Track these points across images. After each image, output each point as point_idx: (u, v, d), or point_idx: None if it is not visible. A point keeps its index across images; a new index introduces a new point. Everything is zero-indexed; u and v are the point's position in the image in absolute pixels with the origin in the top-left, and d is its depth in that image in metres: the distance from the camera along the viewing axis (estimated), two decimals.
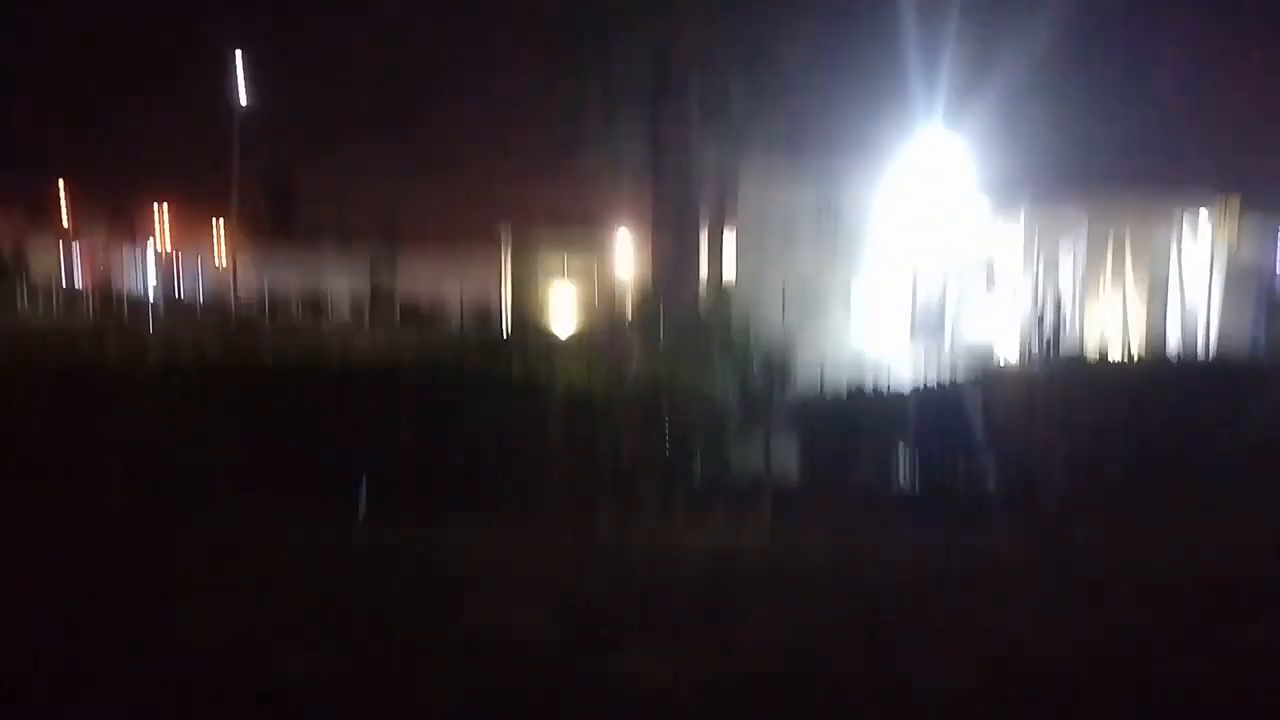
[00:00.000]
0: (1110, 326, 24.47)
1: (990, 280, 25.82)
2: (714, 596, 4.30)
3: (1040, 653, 3.73)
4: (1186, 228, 28.87)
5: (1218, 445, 6.18)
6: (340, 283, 27.61)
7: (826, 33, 20.97)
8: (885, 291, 23.60)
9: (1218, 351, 25.17)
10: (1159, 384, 6.49)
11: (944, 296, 25.07)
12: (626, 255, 43.15)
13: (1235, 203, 27.90)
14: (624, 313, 13.77)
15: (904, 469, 6.13)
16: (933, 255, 23.85)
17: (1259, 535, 5.31)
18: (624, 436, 6.00)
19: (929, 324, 23.62)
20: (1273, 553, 5.03)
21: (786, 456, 6.23)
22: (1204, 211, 27.85)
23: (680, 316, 8.87)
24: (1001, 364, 6.74)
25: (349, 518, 5.68)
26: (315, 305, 24.85)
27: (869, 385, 6.51)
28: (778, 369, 6.61)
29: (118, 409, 6.21)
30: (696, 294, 15.49)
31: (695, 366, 6.82)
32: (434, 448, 6.00)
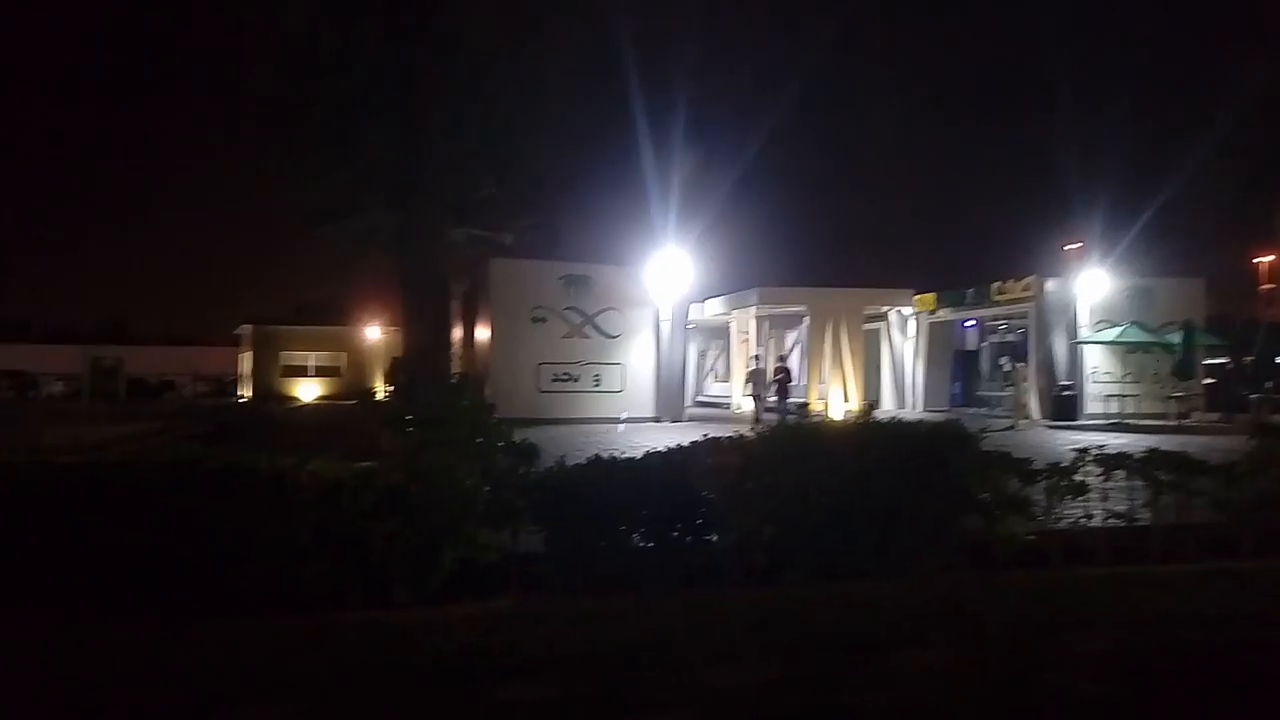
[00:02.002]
0: (832, 393, 26.72)
1: (728, 359, 27.30)
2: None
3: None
4: (895, 313, 32.44)
5: (916, 501, 6.92)
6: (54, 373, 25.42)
7: (580, 147, 22.08)
8: (633, 371, 24.65)
9: (924, 408, 27.91)
10: (880, 440, 7.18)
11: (684, 374, 26.44)
12: (377, 345, 42.09)
13: (931, 295, 31.79)
14: (373, 400, 13.63)
15: (640, 535, 6.49)
16: (676, 341, 25.24)
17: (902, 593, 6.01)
18: (364, 525, 6.01)
19: (673, 397, 24.86)
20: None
21: (529, 532, 6.44)
22: (908, 302, 31.49)
23: (429, 402, 8.94)
24: (735, 432, 7.31)
25: None
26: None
27: (609, 455, 6.86)
28: (523, 448, 6.84)
29: None
30: (446, 380, 15.62)
31: (442, 451, 6.93)
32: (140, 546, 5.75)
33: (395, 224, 19.85)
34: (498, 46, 18.57)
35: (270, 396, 42.27)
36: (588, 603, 5.81)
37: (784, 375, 24.34)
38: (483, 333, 25.55)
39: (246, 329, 48.10)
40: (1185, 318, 26.74)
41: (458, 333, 27.81)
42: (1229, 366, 34.56)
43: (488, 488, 6.53)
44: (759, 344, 29.52)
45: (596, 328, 24.79)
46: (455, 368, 23.98)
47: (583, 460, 6.64)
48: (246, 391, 46.14)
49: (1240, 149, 34.10)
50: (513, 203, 22.40)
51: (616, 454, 6.83)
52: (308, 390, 45.28)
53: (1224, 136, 34.22)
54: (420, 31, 17.38)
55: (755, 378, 24.31)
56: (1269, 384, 27.82)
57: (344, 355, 47.49)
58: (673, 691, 4.13)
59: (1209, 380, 31.93)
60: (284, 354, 47.31)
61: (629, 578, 6.31)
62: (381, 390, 32.22)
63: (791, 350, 32.02)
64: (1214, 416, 26.60)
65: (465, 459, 6.65)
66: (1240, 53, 34.59)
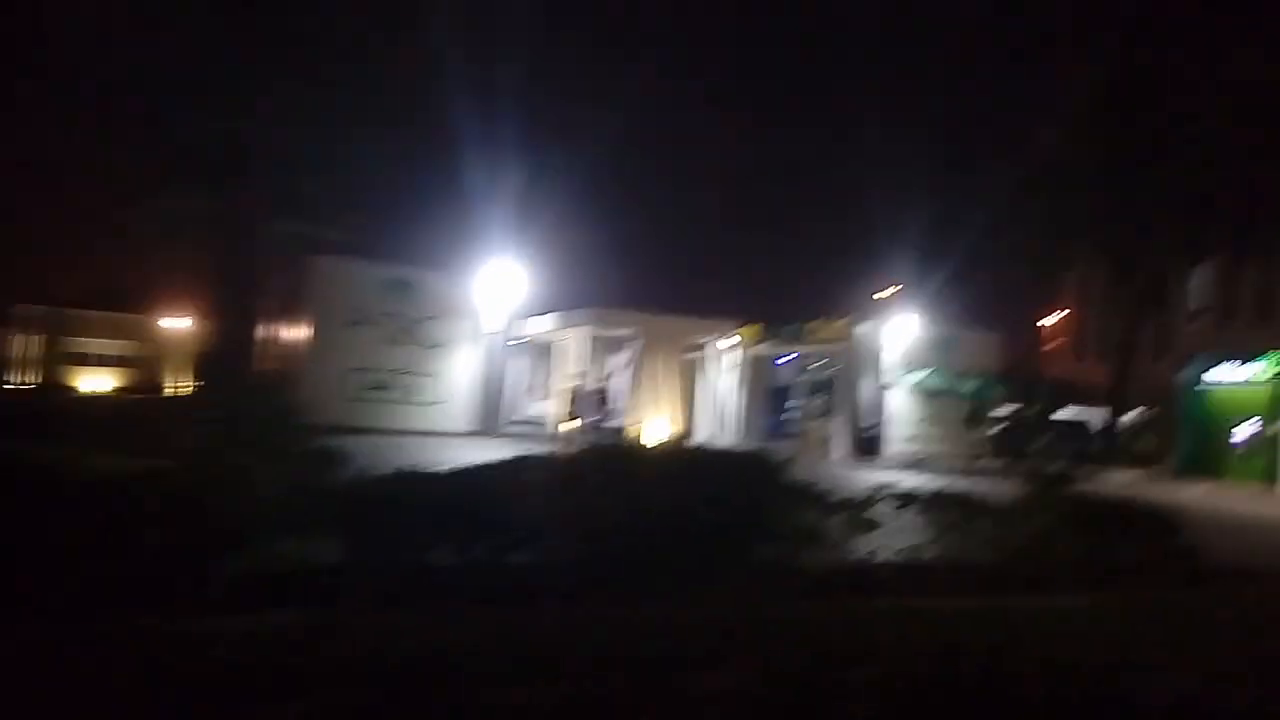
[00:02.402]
0: (652, 418, 27.15)
1: (555, 376, 27.28)
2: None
3: None
4: (719, 343, 33.28)
5: (720, 528, 7.09)
6: None
7: (414, 148, 21.61)
8: (451, 383, 24.23)
9: (741, 438, 28.74)
10: (689, 468, 7.32)
11: (505, 390, 26.23)
12: (183, 337, 39.70)
13: (754, 328, 32.83)
14: (173, 397, 12.82)
15: (447, 548, 6.36)
16: (498, 355, 25.01)
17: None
18: (144, 527, 5.63)
19: (491, 412, 24.60)
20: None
21: (331, 542, 6.19)
22: (733, 333, 32.36)
23: (235, 401, 8.50)
24: (555, 449, 7.31)
25: None
26: None
27: (422, 467, 6.70)
28: (326, 454, 6.60)
29: None
30: (254, 379, 14.90)
31: (245, 453, 6.60)
32: None
33: (211, 211, 18.85)
34: (332, 36, 18.00)
35: (55, 386, 39.17)
36: (383, 618, 5.62)
37: (601, 397, 24.26)
38: (298, 333, 24.52)
39: (33, 310, 44.46)
40: (979, 368, 28.75)
41: (271, 331, 26.60)
42: (1015, 416, 37.30)
43: (285, 494, 6.25)
44: (587, 364, 29.66)
45: (416, 336, 24.25)
46: (266, 367, 22.87)
47: (389, 471, 6.45)
48: (29, 378, 42.58)
49: (1039, 215, 37.02)
50: (339, 199, 21.68)
51: (425, 467, 6.68)
52: (100, 381, 42.21)
53: (1018, 204, 37.09)
54: (247, 11, 16.61)
55: (577, 397, 24.20)
56: (1048, 434, 30.24)
57: (145, 345, 44.60)
58: (454, 711, 4.04)
59: (997, 428, 34.36)
60: (75, 340, 44.01)
61: (431, 594, 6.16)
62: (185, 386, 30.39)
63: (611, 374, 32.36)
64: (1000, 462, 28.65)
65: (264, 462, 6.35)
66: (1033, 122, 37.71)
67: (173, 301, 41.47)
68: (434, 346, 24.50)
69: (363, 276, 24.14)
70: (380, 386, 23.88)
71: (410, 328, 24.30)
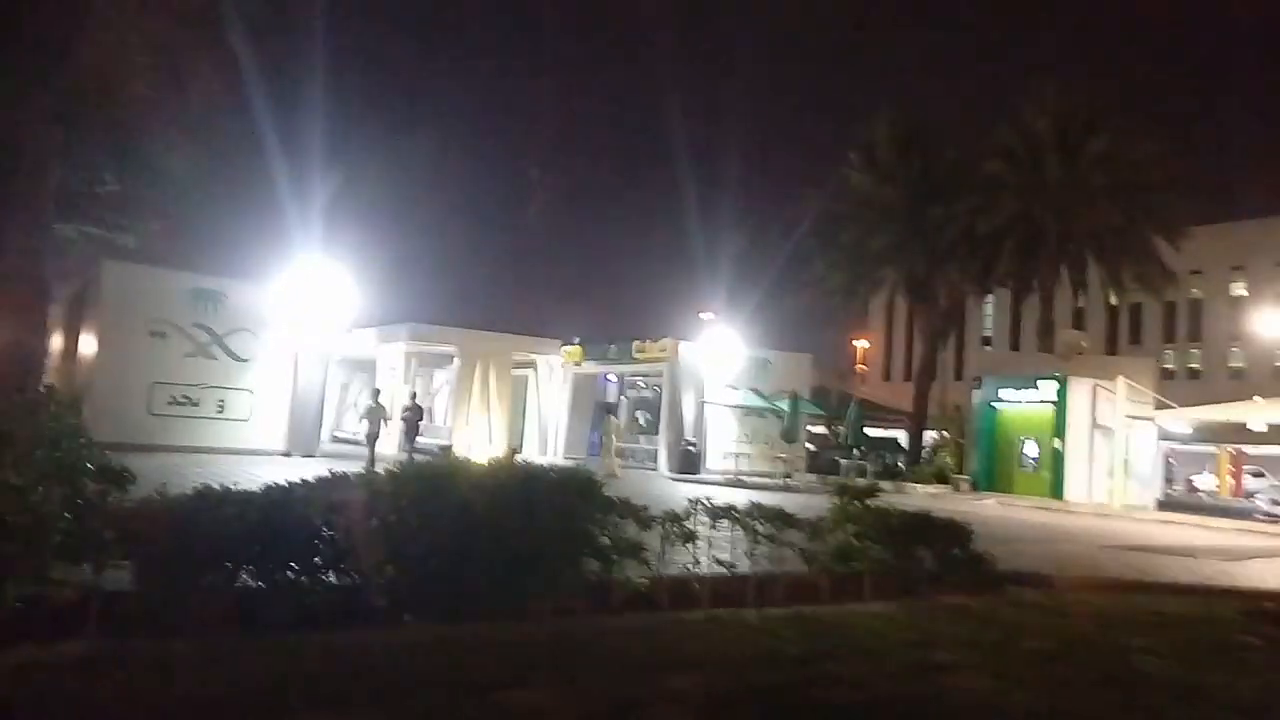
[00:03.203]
0: (476, 436, 26.77)
1: (372, 392, 26.46)
2: None
3: None
4: (543, 362, 33.25)
5: (538, 544, 7.02)
6: None
7: (221, 148, 20.38)
8: (264, 399, 23.07)
9: (565, 455, 28.70)
10: (511, 484, 7.19)
11: (322, 407, 25.23)
12: None
13: (578, 348, 33.00)
14: None
15: (250, 574, 6.02)
16: (314, 371, 24.02)
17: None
18: None
19: (307, 430, 23.56)
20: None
21: (119, 568, 5.74)
22: (556, 351, 32.41)
23: (12, 416, 7.76)
24: (366, 467, 7.04)
25: None
26: None
27: (219, 486, 6.30)
28: (113, 472, 6.11)
29: None
30: (37, 393, 13.64)
31: (23, 472, 6.03)
32: None
33: None
34: (128, 25, 16.74)
35: None
36: (179, 646, 5.25)
37: (413, 414, 23.13)
38: (89, 344, 22.78)
39: None
40: (793, 388, 29.88)
41: (57, 341, 24.58)
42: (826, 434, 39.01)
43: (68, 515, 5.75)
44: (408, 380, 28.90)
45: (226, 349, 22.99)
46: (51, 381, 21.10)
47: (188, 491, 6.05)
48: None
49: (847, 244, 39.02)
50: (135, 201, 20.23)
51: (230, 485, 6.29)
52: None
53: (827, 234, 39.09)
54: None
55: (371, 415, 22.35)
56: (856, 451, 31.76)
57: None
58: None
59: (810, 445, 35.80)
60: None
61: (235, 620, 5.81)
62: None
63: (436, 391, 31.69)
64: (812, 478, 29.81)
65: (43, 481, 5.82)
66: (841, 159, 39.88)
67: None
68: (245, 360, 23.26)
69: (163, 285, 22.68)
70: (189, 402, 22.45)
71: (220, 340, 22.99)
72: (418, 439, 23.05)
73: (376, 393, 23.41)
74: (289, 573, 6.19)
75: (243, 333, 23.21)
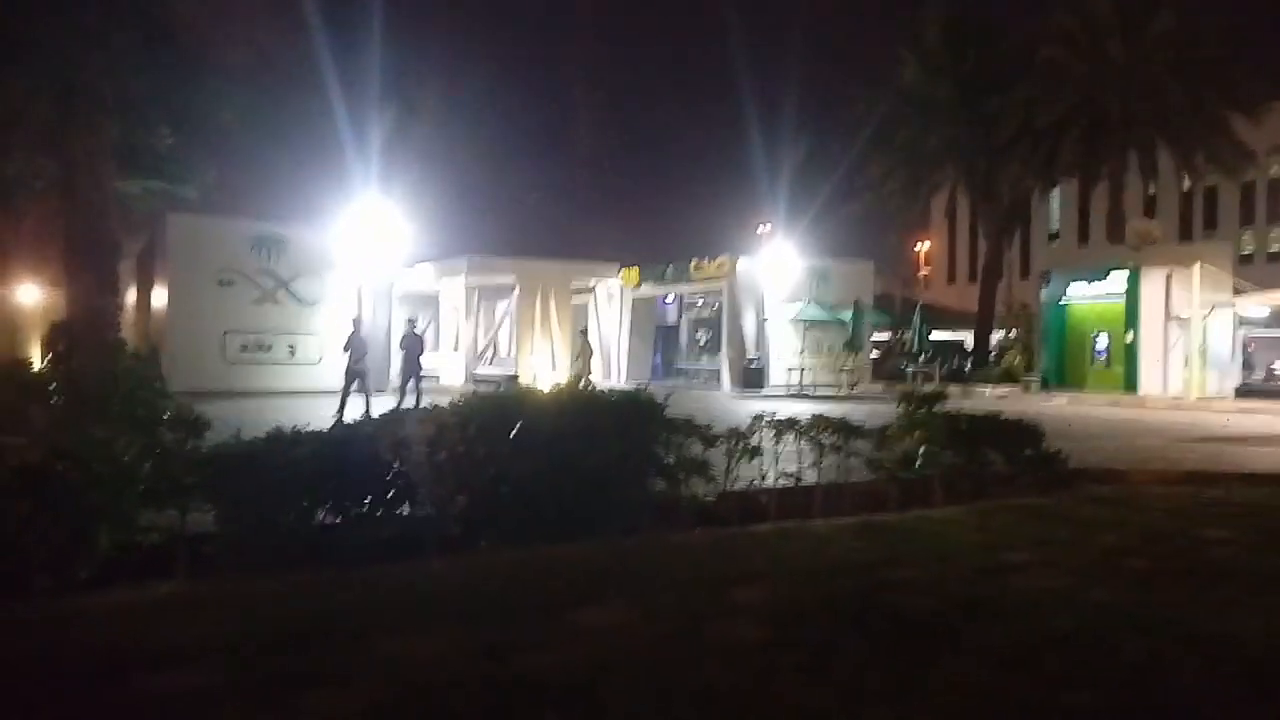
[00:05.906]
0: (540, 363, 27.06)
1: (438, 325, 26.72)
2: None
3: None
4: (602, 287, 33.27)
5: (605, 467, 7.10)
6: None
7: (274, 95, 20.46)
8: (333, 341, 23.53)
9: (627, 379, 28.88)
10: (575, 409, 7.27)
11: (388, 340, 25.62)
12: (33, 307, 37.58)
13: (634, 270, 32.90)
14: (16, 368, 11.98)
15: (326, 510, 6.21)
16: (380, 309, 24.38)
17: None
18: (6, 506, 5.31)
19: (372, 365, 23.96)
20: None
21: (201, 511, 5.97)
22: (614, 276, 32.38)
23: (93, 370, 8.04)
24: (441, 400, 7.18)
25: None
26: None
27: (294, 427, 6.47)
28: (191, 420, 6.31)
29: None
30: (114, 347, 14.11)
31: (106, 423, 6.26)
32: None
33: (54, 172, 17.66)
34: None
35: None
36: (264, 583, 5.47)
37: (413, 345, 19.78)
38: (160, 297, 23.41)
39: None
40: (855, 297, 29.52)
41: (131, 296, 25.31)
42: (891, 342, 38.58)
43: (149, 464, 5.97)
44: (471, 313, 29.07)
45: (291, 293, 23.44)
46: (127, 335, 21.79)
47: (261, 434, 6.22)
48: None
49: (903, 145, 38.01)
50: (195, 154, 20.56)
51: (303, 428, 6.46)
52: None
53: (883, 136, 38.04)
54: None
55: (353, 344, 18.48)
56: (922, 357, 31.39)
57: None
58: (345, 667, 3.98)
59: (874, 354, 35.47)
60: None
61: (315, 555, 6.01)
62: (38, 358, 28.83)
63: (499, 321, 31.93)
64: (878, 387, 29.59)
65: (124, 432, 6.04)
66: (892, 57, 38.57)
67: (24, 269, 39.02)
68: (312, 304, 23.72)
69: (227, 234, 23.14)
70: (260, 347, 23.04)
71: (285, 285, 23.46)
72: (489, 369, 23.01)
73: (355, 321, 19.93)
74: (364, 507, 6.38)
75: (307, 276, 23.64)
